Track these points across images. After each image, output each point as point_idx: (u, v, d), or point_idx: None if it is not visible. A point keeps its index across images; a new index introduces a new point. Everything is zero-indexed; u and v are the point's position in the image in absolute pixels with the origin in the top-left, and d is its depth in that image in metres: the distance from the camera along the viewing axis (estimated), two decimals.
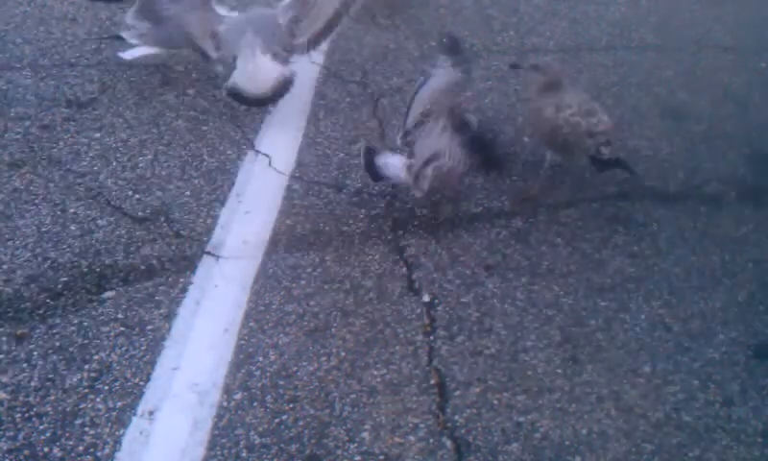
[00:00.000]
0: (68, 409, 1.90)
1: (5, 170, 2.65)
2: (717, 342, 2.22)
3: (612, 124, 2.64)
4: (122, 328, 2.12)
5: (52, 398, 1.92)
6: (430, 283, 2.35)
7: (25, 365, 2.00)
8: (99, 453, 1.80)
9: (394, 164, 2.52)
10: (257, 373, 2.03)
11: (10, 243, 2.36)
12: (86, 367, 2.00)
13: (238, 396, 1.96)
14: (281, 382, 2.00)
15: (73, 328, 2.10)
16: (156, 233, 2.44)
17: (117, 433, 1.85)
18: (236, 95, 2.92)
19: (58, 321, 2.12)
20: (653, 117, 3.23)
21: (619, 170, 2.69)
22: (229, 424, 1.89)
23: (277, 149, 2.88)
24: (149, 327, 2.12)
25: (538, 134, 2.81)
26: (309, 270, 2.36)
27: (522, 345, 2.17)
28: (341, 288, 2.31)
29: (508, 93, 3.31)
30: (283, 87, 2.94)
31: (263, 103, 2.99)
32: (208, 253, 2.39)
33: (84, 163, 2.71)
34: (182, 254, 2.38)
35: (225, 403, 1.94)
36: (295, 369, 2.05)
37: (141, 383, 1.97)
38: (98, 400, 1.92)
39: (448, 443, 1.89)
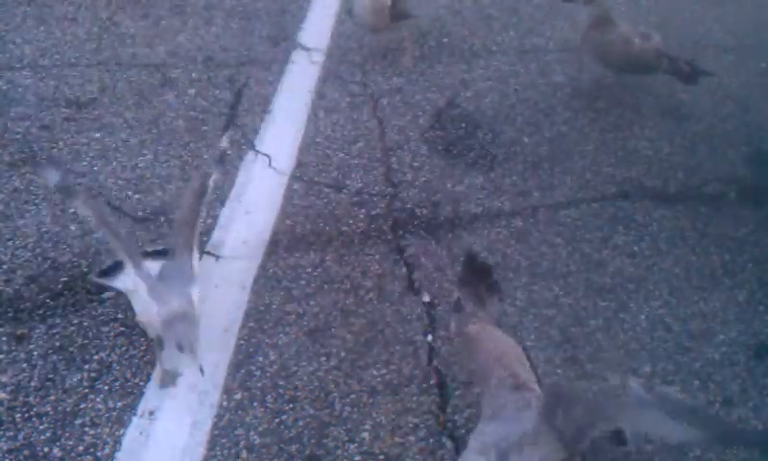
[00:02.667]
0: (68, 409, 1.90)
1: (5, 170, 2.65)
2: (717, 342, 2.22)
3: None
4: (122, 328, 2.12)
5: (52, 398, 1.92)
6: (430, 283, 2.35)
7: (25, 365, 2.00)
8: (99, 453, 1.80)
9: None
10: (257, 373, 2.03)
11: (10, 243, 2.36)
12: (86, 367, 2.00)
13: (238, 396, 1.96)
14: (281, 382, 2.00)
15: (73, 328, 2.10)
16: (156, 233, 2.44)
17: (117, 433, 1.85)
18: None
19: (58, 321, 2.12)
20: (653, 117, 3.23)
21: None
22: (229, 424, 1.89)
23: (277, 149, 2.88)
24: None
25: (609, 63, 3.27)
26: (309, 270, 2.36)
27: (522, 345, 2.16)
28: (341, 288, 2.31)
29: (508, 93, 3.31)
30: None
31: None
32: (208, 252, 2.40)
33: (84, 163, 2.71)
34: None
35: (225, 403, 1.94)
36: (295, 369, 2.05)
37: (141, 383, 1.97)
38: (98, 400, 1.92)
39: (448, 443, 1.88)
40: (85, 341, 2.07)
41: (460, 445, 1.88)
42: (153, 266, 1.95)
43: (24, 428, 1.85)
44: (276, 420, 1.91)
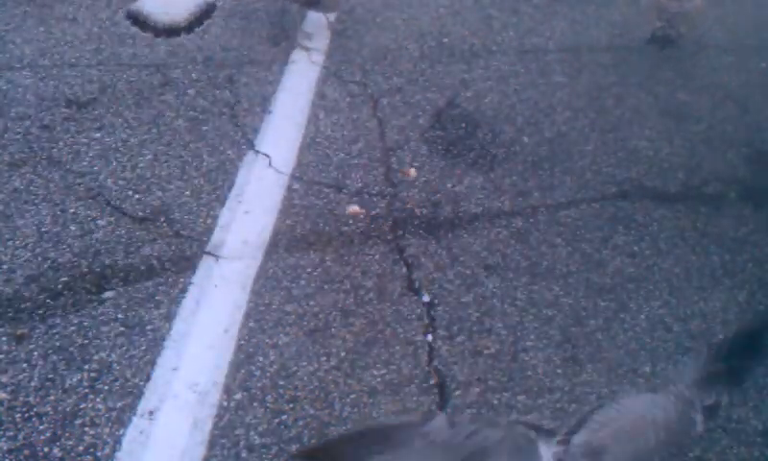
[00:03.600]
0: (68, 409, 1.90)
1: (5, 170, 2.65)
2: (717, 342, 2.22)
3: (701, 7, 3.46)
4: (122, 328, 2.12)
5: (52, 398, 1.92)
6: (430, 283, 2.35)
7: (25, 365, 2.00)
8: (99, 453, 1.80)
9: None
10: (257, 373, 2.03)
11: (10, 243, 2.36)
12: (86, 367, 2.00)
13: (238, 396, 1.96)
14: (281, 382, 2.01)
15: (73, 328, 2.10)
16: (156, 233, 2.45)
17: (117, 433, 1.85)
18: (140, 21, 2.29)
19: (58, 321, 2.12)
20: (653, 117, 3.23)
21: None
22: (229, 424, 1.89)
23: (277, 149, 2.88)
24: (149, 327, 2.12)
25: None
26: (309, 270, 2.36)
27: (522, 345, 2.17)
28: (341, 288, 2.31)
29: (508, 93, 3.31)
30: (204, 14, 2.43)
31: (175, 32, 2.44)
32: (208, 253, 2.40)
33: (84, 163, 2.71)
34: (182, 255, 2.38)
35: (225, 403, 1.94)
36: (295, 369, 2.05)
37: (141, 383, 1.97)
38: (98, 400, 1.92)
39: None
40: (85, 341, 2.07)
41: None
42: None
43: (24, 428, 1.85)
44: (276, 420, 1.91)
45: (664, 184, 2.86)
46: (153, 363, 2.03)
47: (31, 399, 1.92)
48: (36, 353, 2.03)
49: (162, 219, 2.50)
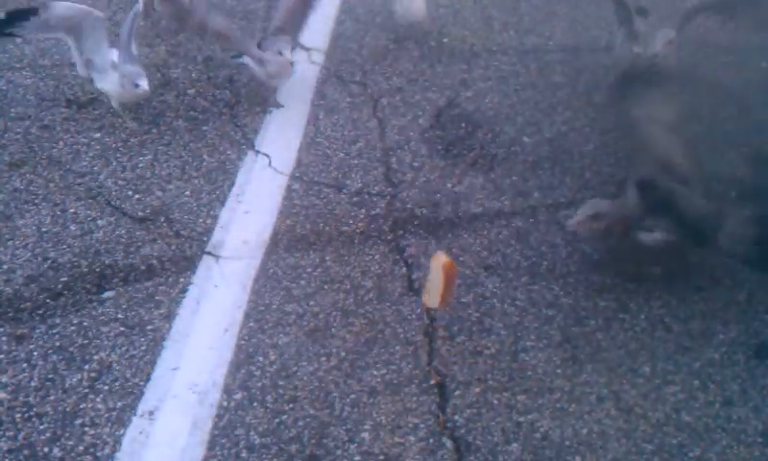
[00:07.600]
0: (68, 409, 1.90)
1: (5, 170, 2.65)
2: (717, 342, 2.22)
3: None
4: (122, 328, 2.12)
5: (52, 398, 1.92)
6: None
7: (25, 365, 2.00)
8: (99, 453, 1.81)
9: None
10: (257, 373, 2.03)
11: (10, 243, 2.37)
12: (86, 367, 2.00)
13: (238, 396, 1.96)
14: (281, 382, 2.00)
15: (73, 328, 2.11)
16: (156, 233, 2.45)
17: (117, 433, 1.85)
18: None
19: (58, 321, 2.12)
20: None
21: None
22: (229, 424, 1.89)
23: (277, 149, 2.88)
24: (149, 327, 2.12)
25: None
26: (309, 270, 2.36)
27: (522, 345, 2.17)
28: (341, 288, 2.31)
29: (508, 93, 3.31)
30: None
31: None
32: (208, 253, 2.40)
33: (84, 163, 2.71)
34: (182, 255, 2.38)
35: (225, 403, 1.94)
36: (295, 369, 2.05)
37: (141, 383, 1.97)
38: (98, 400, 1.92)
39: (448, 443, 1.89)
40: (85, 341, 2.08)
41: (460, 445, 1.88)
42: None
43: (24, 428, 1.85)
44: (276, 420, 1.91)
45: None
46: (153, 363, 2.03)
47: (31, 399, 1.92)
48: (35, 353, 2.03)
49: (162, 219, 2.50)
